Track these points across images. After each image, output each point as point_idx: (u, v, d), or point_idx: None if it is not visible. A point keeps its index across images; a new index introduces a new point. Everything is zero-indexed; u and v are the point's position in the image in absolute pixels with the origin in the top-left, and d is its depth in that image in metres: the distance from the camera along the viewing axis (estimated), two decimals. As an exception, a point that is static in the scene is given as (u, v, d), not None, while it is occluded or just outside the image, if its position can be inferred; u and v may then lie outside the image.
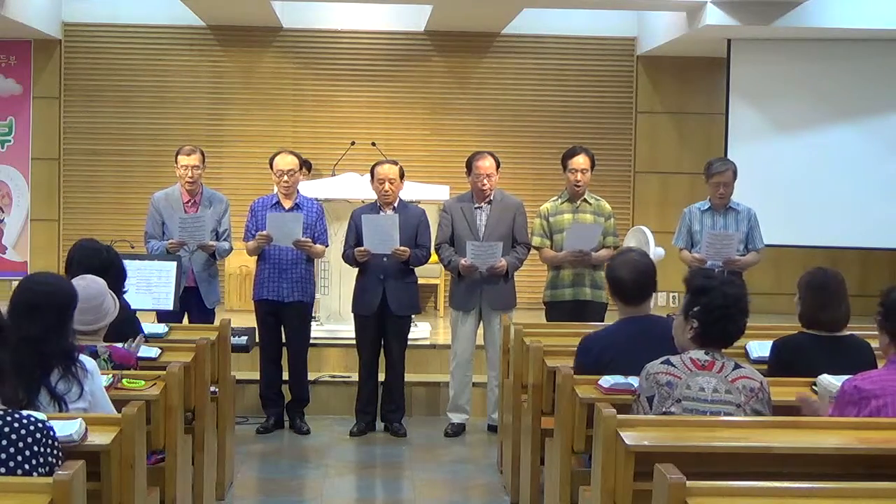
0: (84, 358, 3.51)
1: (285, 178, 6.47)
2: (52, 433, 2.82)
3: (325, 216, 6.67)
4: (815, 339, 4.27)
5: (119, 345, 4.23)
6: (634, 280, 4.24)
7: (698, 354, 3.59)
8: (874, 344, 4.27)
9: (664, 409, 3.52)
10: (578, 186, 6.49)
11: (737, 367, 3.59)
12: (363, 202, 6.74)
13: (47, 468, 2.76)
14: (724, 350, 3.66)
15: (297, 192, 6.60)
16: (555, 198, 6.65)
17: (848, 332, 4.33)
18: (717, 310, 3.58)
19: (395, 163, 6.60)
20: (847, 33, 8.43)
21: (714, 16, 8.19)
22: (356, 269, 6.60)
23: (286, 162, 6.51)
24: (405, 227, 6.35)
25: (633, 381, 3.92)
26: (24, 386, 3.26)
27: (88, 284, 4.00)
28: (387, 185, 6.43)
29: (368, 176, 6.65)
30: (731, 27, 8.32)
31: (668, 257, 7.53)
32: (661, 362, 3.60)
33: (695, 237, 6.41)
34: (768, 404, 3.60)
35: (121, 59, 9.71)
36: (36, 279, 3.57)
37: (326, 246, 6.66)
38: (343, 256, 6.66)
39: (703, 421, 3.45)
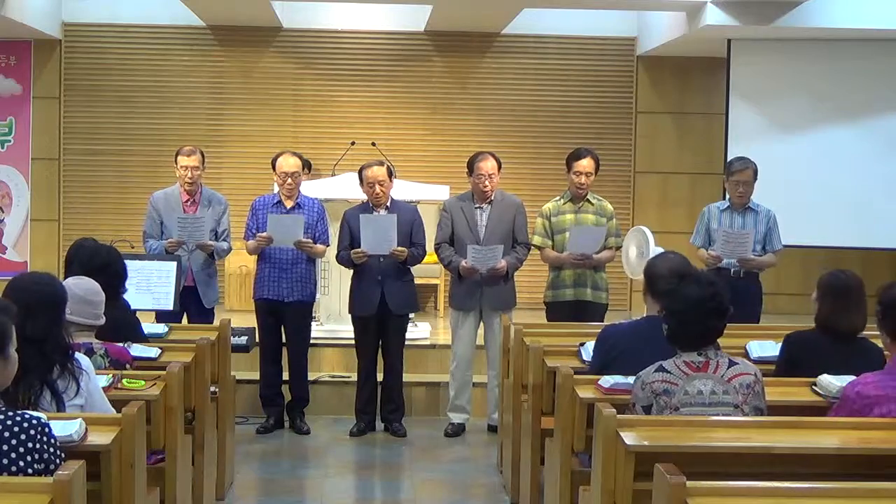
0: (79, 356, 3.52)
1: (289, 180, 6.46)
2: (48, 430, 2.81)
3: (326, 216, 6.66)
4: (830, 340, 4.23)
5: (120, 344, 4.25)
6: (671, 276, 4.20)
7: (692, 357, 3.55)
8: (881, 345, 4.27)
9: None
10: (581, 189, 6.49)
11: (731, 364, 3.56)
12: (363, 202, 6.73)
13: (43, 465, 2.76)
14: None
15: (299, 192, 6.59)
16: (557, 198, 6.65)
17: (860, 336, 4.30)
18: (677, 314, 3.56)
19: (382, 163, 6.58)
20: (847, 33, 8.43)
21: (714, 16, 8.18)
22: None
23: (290, 164, 6.49)
24: (400, 226, 6.32)
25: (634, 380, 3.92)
26: (28, 387, 3.25)
27: (90, 280, 4.03)
28: (377, 188, 6.39)
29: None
30: (731, 27, 8.32)
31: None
32: (655, 370, 3.57)
33: (713, 236, 6.39)
34: (763, 393, 3.59)
35: (121, 59, 9.70)
36: (29, 279, 3.57)
37: (328, 246, 6.65)
38: (337, 258, 6.64)
39: (703, 421, 3.45)
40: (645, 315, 4.31)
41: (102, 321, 4.06)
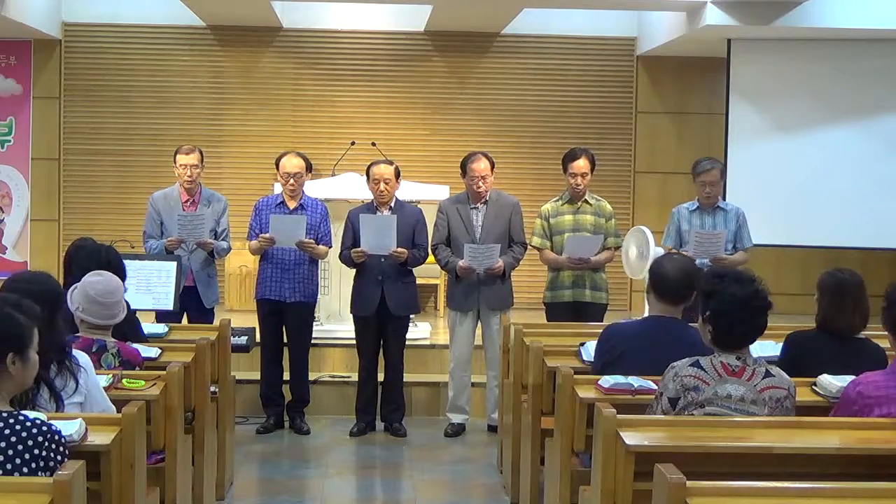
0: (77, 353, 3.52)
1: (292, 181, 6.46)
2: (57, 436, 2.80)
3: (329, 217, 6.67)
4: (830, 340, 4.23)
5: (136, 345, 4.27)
6: (677, 277, 4.15)
7: (729, 359, 3.50)
8: (883, 344, 4.26)
9: (686, 413, 3.49)
10: (578, 189, 6.50)
11: (767, 374, 3.51)
12: (363, 202, 6.74)
13: (47, 472, 2.74)
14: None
15: (302, 192, 6.59)
16: (555, 198, 6.65)
17: (863, 336, 4.29)
18: (725, 314, 3.49)
19: (391, 162, 6.59)
20: (847, 33, 8.42)
21: (714, 16, 8.18)
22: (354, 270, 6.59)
23: (293, 164, 6.49)
24: (402, 228, 6.34)
25: (634, 381, 3.92)
26: None
27: (108, 279, 4.03)
28: (382, 186, 6.42)
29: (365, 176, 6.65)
30: (731, 27, 8.32)
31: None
32: (691, 364, 3.52)
33: (683, 237, 6.48)
34: (793, 409, 3.55)
35: (121, 59, 9.70)
36: (24, 277, 3.59)
37: (330, 247, 6.65)
38: (340, 257, 6.66)
39: (704, 421, 3.44)
40: (648, 314, 4.30)
41: (118, 319, 4.08)
